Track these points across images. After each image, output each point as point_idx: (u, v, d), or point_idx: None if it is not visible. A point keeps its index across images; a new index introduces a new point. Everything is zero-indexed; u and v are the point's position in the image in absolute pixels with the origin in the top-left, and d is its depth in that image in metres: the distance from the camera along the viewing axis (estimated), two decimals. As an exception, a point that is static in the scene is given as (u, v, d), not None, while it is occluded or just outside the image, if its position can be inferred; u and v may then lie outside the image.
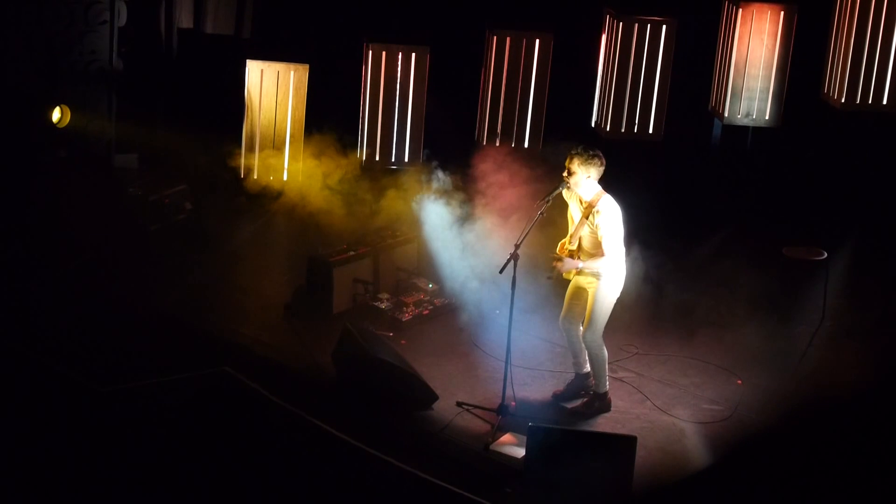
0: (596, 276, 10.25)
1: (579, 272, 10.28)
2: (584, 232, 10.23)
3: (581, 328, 10.51)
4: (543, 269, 10.34)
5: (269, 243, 13.71)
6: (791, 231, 13.89)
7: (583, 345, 10.52)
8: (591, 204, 10.17)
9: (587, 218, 10.17)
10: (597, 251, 10.22)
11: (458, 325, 11.96)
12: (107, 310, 11.70)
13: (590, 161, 10.12)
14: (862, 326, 12.33)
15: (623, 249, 10.31)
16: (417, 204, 12.35)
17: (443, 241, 12.12)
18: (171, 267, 12.76)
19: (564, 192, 10.29)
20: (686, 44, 14.72)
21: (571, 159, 10.15)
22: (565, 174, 10.18)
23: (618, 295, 10.38)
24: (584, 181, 10.16)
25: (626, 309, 11.74)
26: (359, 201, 13.54)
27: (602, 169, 10.20)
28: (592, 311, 10.33)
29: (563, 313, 10.64)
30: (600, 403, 10.60)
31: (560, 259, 10.27)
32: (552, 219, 10.58)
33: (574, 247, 10.31)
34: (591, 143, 10.37)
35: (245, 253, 13.39)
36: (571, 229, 10.44)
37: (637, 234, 11.35)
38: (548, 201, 10.21)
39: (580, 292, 10.47)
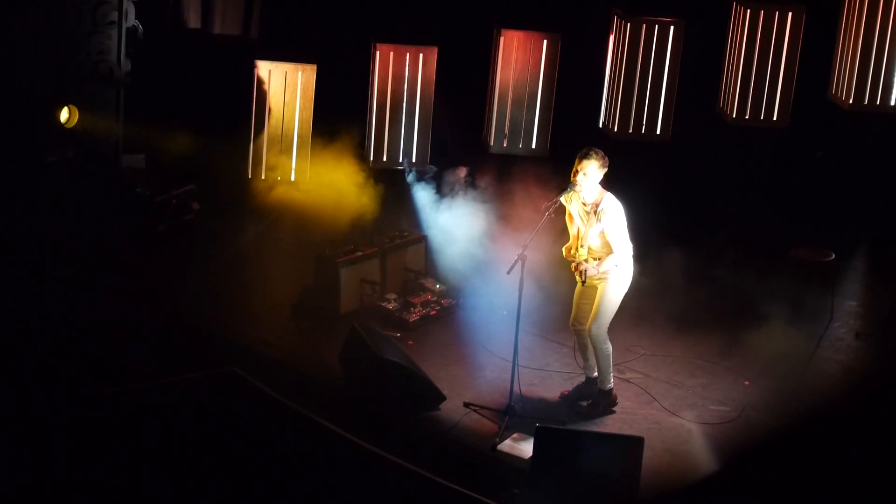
0: (605, 273, 10.27)
1: (582, 273, 10.28)
2: (593, 232, 10.23)
3: (592, 327, 10.53)
4: (577, 277, 10.37)
5: (276, 244, 13.71)
6: (798, 232, 13.87)
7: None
8: (597, 203, 10.19)
9: (596, 218, 10.17)
10: (605, 250, 10.23)
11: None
12: (113, 310, 11.71)
13: (604, 162, 10.16)
14: (870, 328, 12.31)
15: (630, 245, 10.33)
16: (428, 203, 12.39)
17: (450, 239, 12.16)
18: (177, 267, 12.76)
19: (563, 197, 10.29)
20: (694, 44, 14.70)
21: (587, 162, 10.12)
22: (578, 177, 10.15)
23: (626, 289, 10.41)
24: (592, 182, 10.16)
25: (633, 310, 11.76)
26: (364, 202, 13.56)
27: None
28: (600, 305, 10.34)
29: (573, 315, 10.64)
30: (606, 402, 10.60)
31: (578, 269, 10.28)
32: (560, 221, 10.58)
33: (584, 250, 10.30)
34: (595, 144, 10.35)
35: (252, 253, 13.39)
36: (573, 230, 10.46)
37: (644, 235, 11.35)
38: (556, 203, 10.22)
39: (588, 291, 10.47)
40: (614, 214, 10.17)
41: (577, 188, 10.18)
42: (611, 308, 10.37)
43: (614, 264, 10.23)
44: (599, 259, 10.27)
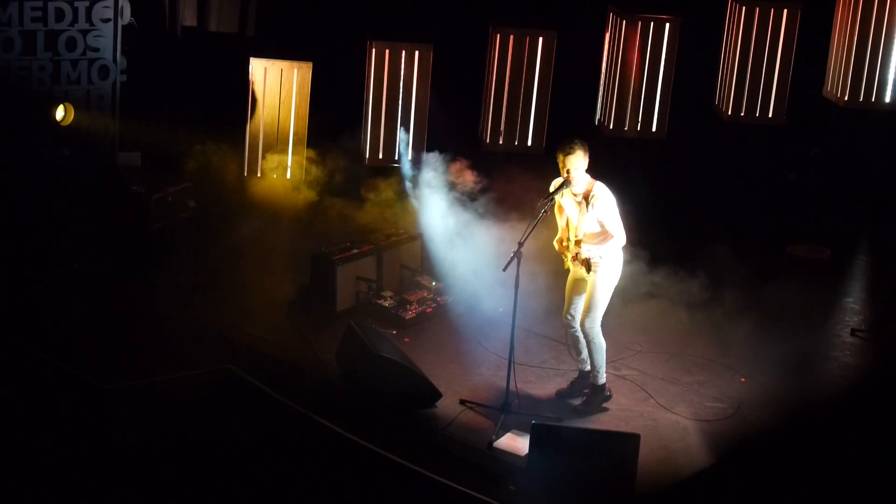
0: (595, 264, 10.26)
1: (585, 262, 10.26)
2: (587, 220, 10.22)
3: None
4: (576, 266, 10.37)
5: (273, 241, 13.72)
6: (794, 229, 13.89)
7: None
8: (588, 191, 10.18)
9: (589, 206, 10.16)
10: (598, 238, 10.23)
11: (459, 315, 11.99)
12: (110, 308, 11.70)
13: (586, 150, 10.14)
14: (865, 324, 12.32)
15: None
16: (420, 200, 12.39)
17: (445, 238, 12.15)
18: (174, 265, 12.75)
19: (558, 194, 10.26)
20: (690, 42, 14.72)
21: (572, 157, 10.09)
22: (571, 174, 10.13)
23: (616, 281, 10.40)
24: (581, 173, 10.15)
25: (630, 307, 11.77)
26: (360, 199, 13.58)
27: None
28: (592, 298, 10.34)
29: (565, 308, 10.63)
30: (600, 397, 10.60)
31: (578, 259, 10.28)
32: (555, 217, 10.59)
33: (579, 240, 10.29)
34: (590, 141, 10.35)
35: (248, 251, 13.40)
36: (561, 222, 10.46)
37: (640, 232, 11.36)
38: (551, 199, 10.22)
39: (580, 283, 10.47)
40: (606, 201, 10.17)
41: (573, 184, 10.18)
42: (602, 300, 10.37)
43: (609, 249, 10.21)
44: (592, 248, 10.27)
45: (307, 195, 14.20)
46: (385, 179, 13.60)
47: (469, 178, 12.53)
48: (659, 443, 10.14)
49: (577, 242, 10.29)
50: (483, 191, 12.55)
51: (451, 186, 12.41)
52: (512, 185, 12.83)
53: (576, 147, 10.11)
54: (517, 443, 9.95)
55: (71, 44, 13.39)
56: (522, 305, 10.39)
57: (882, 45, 14.39)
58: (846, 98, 14.61)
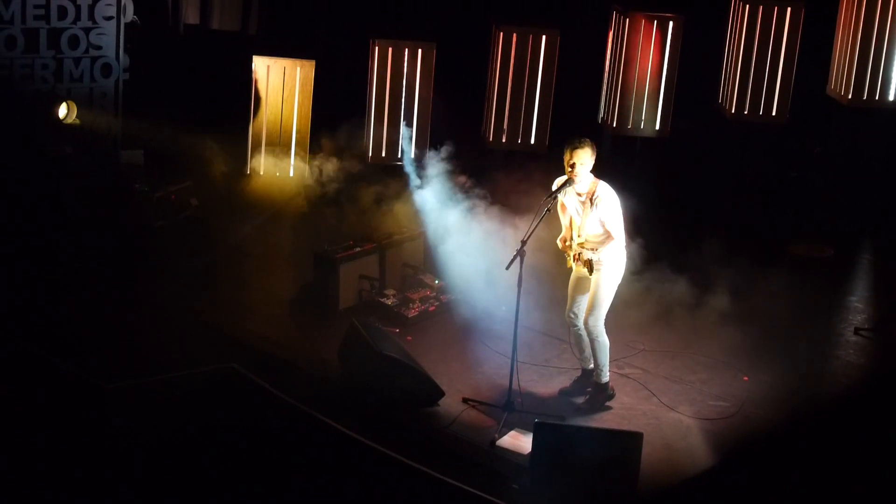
0: (598, 263, 10.24)
1: (587, 262, 10.25)
2: (590, 221, 10.21)
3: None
4: (578, 266, 10.35)
5: (275, 239, 13.71)
6: (798, 228, 13.87)
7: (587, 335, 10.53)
8: (592, 192, 10.17)
9: (593, 206, 10.15)
10: (601, 238, 10.22)
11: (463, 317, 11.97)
12: (112, 306, 11.70)
13: (594, 148, 10.15)
14: (869, 323, 12.30)
15: (624, 234, 10.32)
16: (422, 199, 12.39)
17: (446, 237, 12.14)
18: (176, 263, 12.75)
19: (562, 192, 10.25)
20: (693, 40, 14.69)
21: (579, 151, 10.08)
22: (576, 169, 10.11)
23: (619, 280, 10.39)
24: (586, 171, 10.14)
25: (632, 306, 11.76)
26: (361, 199, 13.57)
27: None
28: (595, 296, 10.33)
29: (568, 306, 10.63)
30: (603, 395, 10.59)
31: (581, 259, 10.27)
32: (558, 216, 10.57)
33: (580, 239, 10.29)
34: (594, 139, 10.33)
35: (251, 249, 13.39)
36: (565, 221, 10.45)
37: (641, 230, 11.34)
38: (554, 198, 10.21)
39: (583, 282, 10.46)
40: (610, 201, 10.16)
41: (576, 181, 10.16)
42: (606, 299, 10.36)
43: (610, 251, 10.21)
44: (594, 249, 10.25)
45: (301, 204, 14.23)
46: (369, 185, 13.60)
47: (465, 181, 12.53)
48: (662, 441, 10.13)
49: (581, 243, 10.29)
50: (484, 189, 12.54)
51: (452, 185, 12.41)
52: (514, 183, 12.82)
53: (585, 143, 10.11)
54: (520, 441, 9.95)
55: (74, 42, 13.40)
56: (525, 304, 10.38)
57: (886, 44, 14.35)
58: (850, 96, 14.57)
